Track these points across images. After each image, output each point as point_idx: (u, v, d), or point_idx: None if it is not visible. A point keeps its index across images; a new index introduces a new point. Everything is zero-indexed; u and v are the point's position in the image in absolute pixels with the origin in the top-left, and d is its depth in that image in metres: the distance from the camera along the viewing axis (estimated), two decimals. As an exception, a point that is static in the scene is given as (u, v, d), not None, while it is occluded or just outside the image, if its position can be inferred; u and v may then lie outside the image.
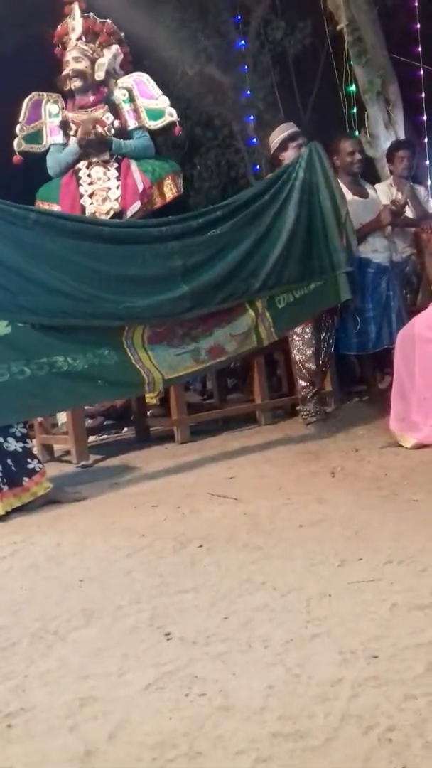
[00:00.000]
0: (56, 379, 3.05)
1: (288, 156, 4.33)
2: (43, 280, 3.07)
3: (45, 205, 4.42)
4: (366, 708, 1.17)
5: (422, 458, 3.00)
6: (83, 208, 4.36)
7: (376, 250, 4.50)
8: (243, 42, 8.47)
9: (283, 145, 4.40)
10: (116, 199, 4.41)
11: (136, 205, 4.48)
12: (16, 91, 4.60)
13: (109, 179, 4.44)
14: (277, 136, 4.47)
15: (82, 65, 4.47)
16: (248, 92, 8.45)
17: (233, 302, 3.60)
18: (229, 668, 1.36)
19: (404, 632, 1.42)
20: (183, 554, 2.09)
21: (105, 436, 4.98)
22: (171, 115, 4.69)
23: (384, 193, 4.81)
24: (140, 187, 4.49)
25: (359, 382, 5.17)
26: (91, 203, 4.37)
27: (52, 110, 4.48)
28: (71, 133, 4.52)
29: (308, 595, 1.65)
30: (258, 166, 8.49)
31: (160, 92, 4.73)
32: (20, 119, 4.47)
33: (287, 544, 2.05)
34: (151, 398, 4.76)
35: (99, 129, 4.43)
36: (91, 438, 4.60)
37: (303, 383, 4.13)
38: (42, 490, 2.94)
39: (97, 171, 4.45)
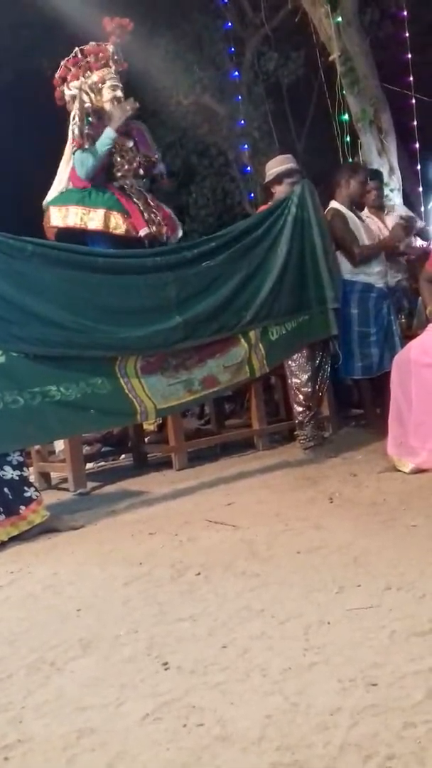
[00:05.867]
0: (49, 408, 3.06)
1: (281, 190, 4.38)
2: (38, 311, 3.08)
3: (96, 211, 4.34)
4: (365, 737, 1.16)
5: (420, 483, 3.00)
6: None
7: (379, 272, 4.56)
8: (237, 73, 8.62)
9: (278, 179, 4.44)
10: (160, 224, 4.50)
11: (179, 233, 4.60)
12: (12, 122, 4.63)
13: (150, 204, 4.52)
14: (274, 167, 4.51)
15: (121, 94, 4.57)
16: (243, 121, 8.59)
17: (225, 334, 3.66)
18: (227, 698, 1.35)
19: (403, 659, 1.41)
20: (181, 582, 2.08)
21: (102, 463, 4.98)
22: (161, 170, 4.83)
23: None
24: (175, 219, 4.64)
25: (356, 406, 5.18)
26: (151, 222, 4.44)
27: (89, 118, 4.52)
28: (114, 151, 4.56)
29: (307, 623, 1.65)
30: (253, 194, 8.60)
31: (156, 146, 4.91)
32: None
33: (285, 571, 2.05)
34: (149, 425, 4.76)
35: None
36: (89, 465, 4.59)
37: (299, 408, 4.15)
38: (39, 519, 2.93)
39: (138, 195, 4.50)
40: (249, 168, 8.70)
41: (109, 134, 4.42)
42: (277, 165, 4.51)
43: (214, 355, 3.63)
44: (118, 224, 4.34)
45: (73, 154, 4.47)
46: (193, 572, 2.14)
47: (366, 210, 5.12)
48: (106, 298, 3.33)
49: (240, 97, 8.59)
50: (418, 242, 5.32)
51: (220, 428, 4.98)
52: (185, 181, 9.35)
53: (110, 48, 4.63)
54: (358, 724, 1.20)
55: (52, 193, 4.58)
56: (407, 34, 7.19)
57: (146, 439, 4.78)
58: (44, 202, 4.59)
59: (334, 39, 6.78)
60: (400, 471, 3.22)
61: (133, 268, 3.48)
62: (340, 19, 6.83)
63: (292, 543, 2.33)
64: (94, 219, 4.35)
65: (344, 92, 6.90)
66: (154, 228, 4.41)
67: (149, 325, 3.41)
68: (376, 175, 5.50)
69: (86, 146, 4.40)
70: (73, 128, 4.48)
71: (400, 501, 2.73)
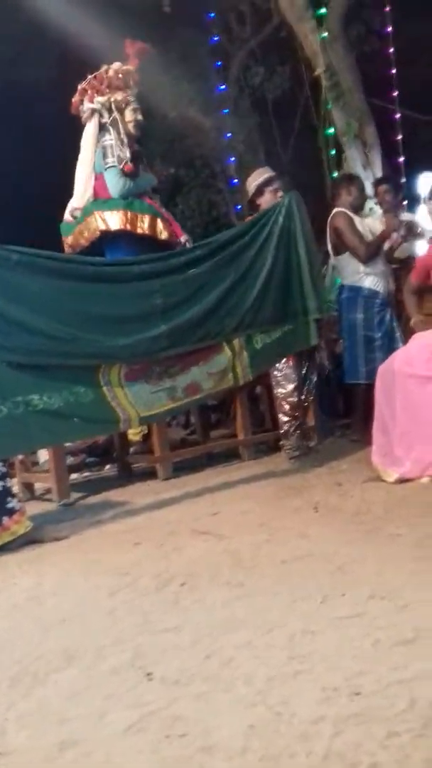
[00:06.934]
0: (32, 417, 3.05)
1: (264, 200, 4.44)
2: (23, 320, 3.07)
3: (144, 218, 4.56)
4: (349, 746, 1.16)
5: (404, 493, 3.01)
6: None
7: (383, 272, 4.63)
8: (223, 86, 8.68)
9: (260, 190, 4.51)
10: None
11: (184, 237, 4.71)
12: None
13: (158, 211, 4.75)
14: (253, 181, 4.59)
15: None
16: (229, 134, 8.63)
17: (209, 342, 3.65)
18: (210, 708, 1.34)
19: (387, 668, 1.41)
20: (166, 592, 2.07)
21: (87, 474, 4.96)
22: None
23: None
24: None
25: (343, 416, 5.19)
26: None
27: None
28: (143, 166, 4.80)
29: (291, 632, 1.64)
30: (239, 206, 8.63)
31: None
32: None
33: (270, 581, 2.04)
34: (134, 435, 4.75)
35: None
36: (73, 475, 4.58)
37: (285, 418, 4.16)
38: (22, 529, 2.91)
39: (160, 206, 4.78)
40: (235, 180, 8.74)
41: (154, 181, 4.85)
42: (255, 178, 4.60)
43: (198, 363, 3.62)
44: (161, 230, 4.57)
45: (106, 169, 4.57)
46: (177, 582, 2.13)
47: (380, 214, 5.15)
48: (93, 307, 3.32)
49: (226, 111, 8.65)
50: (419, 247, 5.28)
51: (206, 438, 4.97)
52: (172, 193, 9.37)
53: (133, 70, 4.74)
54: (342, 733, 1.20)
55: (81, 201, 4.64)
56: (392, 49, 7.28)
57: (131, 450, 4.76)
58: (76, 209, 4.65)
59: (320, 54, 6.87)
60: (384, 480, 3.23)
61: (121, 276, 3.48)
62: (325, 34, 6.91)
63: (276, 552, 2.33)
64: (142, 224, 4.56)
65: (329, 106, 6.98)
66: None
67: (134, 333, 3.40)
68: (386, 180, 5.52)
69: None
70: (108, 145, 4.60)
71: (384, 510, 2.74)
